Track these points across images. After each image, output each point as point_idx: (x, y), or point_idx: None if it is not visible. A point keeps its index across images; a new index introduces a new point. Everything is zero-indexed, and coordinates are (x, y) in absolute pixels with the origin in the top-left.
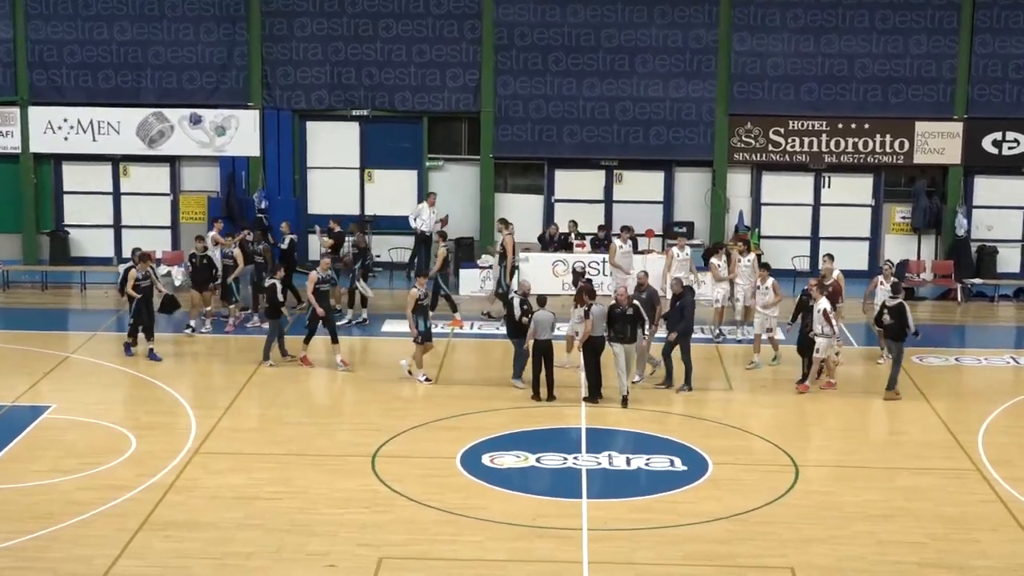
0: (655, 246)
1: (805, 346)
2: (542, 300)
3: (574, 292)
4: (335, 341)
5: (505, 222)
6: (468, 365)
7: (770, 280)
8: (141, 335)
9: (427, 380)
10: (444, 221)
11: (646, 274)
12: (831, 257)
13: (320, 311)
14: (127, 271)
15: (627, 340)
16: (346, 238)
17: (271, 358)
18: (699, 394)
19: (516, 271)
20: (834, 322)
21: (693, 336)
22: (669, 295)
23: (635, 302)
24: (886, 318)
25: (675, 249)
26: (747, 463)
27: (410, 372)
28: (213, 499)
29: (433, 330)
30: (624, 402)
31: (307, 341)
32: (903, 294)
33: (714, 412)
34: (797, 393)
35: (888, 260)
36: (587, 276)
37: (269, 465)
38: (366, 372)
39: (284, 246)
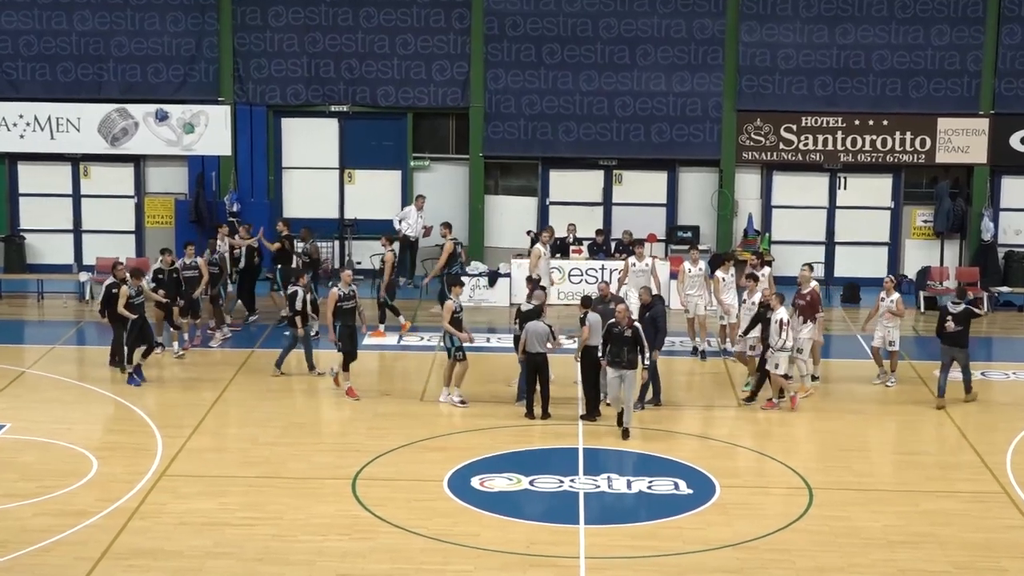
0: (658, 252)
1: (762, 361)
2: (537, 311)
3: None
4: (345, 368)
5: (389, 238)
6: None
7: (757, 295)
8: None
9: (463, 403)
10: (427, 231)
11: (647, 290)
12: (810, 267)
13: (331, 337)
14: (110, 287)
15: (623, 365)
16: (297, 244)
17: (282, 368)
18: (706, 412)
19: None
20: (789, 333)
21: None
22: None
23: (636, 324)
24: (950, 325)
25: (687, 264)
26: (757, 486)
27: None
28: (180, 526)
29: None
30: (625, 434)
31: (346, 368)
32: (970, 297)
33: (721, 431)
34: (762, 408)
35: (890, 276)
36: (541, 284)
37: (241, 489)
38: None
39: (272, 248)
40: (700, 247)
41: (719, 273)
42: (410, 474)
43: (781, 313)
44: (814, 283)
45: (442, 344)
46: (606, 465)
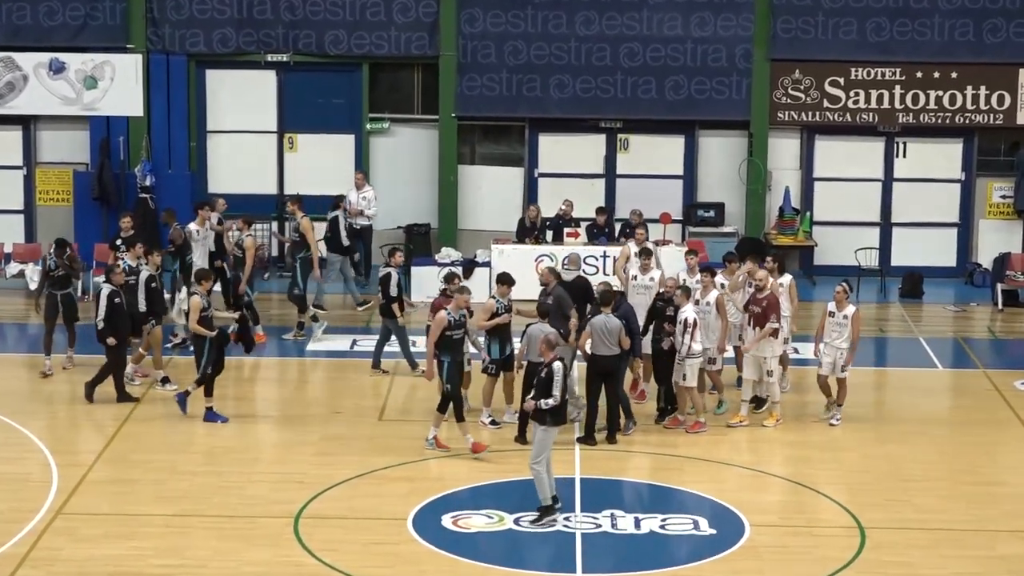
0: (672, 235)
1: (661, 368)
2: (584, 285)
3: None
4: (460, 419)
5: (299, 200)
6: (423, 395)
7: (713, 293)
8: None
9: (494, 423)
10: (352, 212)
11: (609, 286)
12: (772, 259)
13: (429, 374)
14: (112, 296)
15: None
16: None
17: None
18: (732, 432)
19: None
20: (698, 337)
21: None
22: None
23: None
24: None
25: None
26: (796, 524)
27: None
28: (81, 575)
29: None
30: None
31: (460, 417)
32: None
33: (749, 456)
34: (664, 426)
35: (844, 281)
36: (460, 284)
37: (156, 530)
38: (287, 405)
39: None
40: (725, 228)
41: (719, 279)
42: (366, 511)
43: (688, 312)
44: (788, 279)
45: (472, 353)
46: (609, 499)
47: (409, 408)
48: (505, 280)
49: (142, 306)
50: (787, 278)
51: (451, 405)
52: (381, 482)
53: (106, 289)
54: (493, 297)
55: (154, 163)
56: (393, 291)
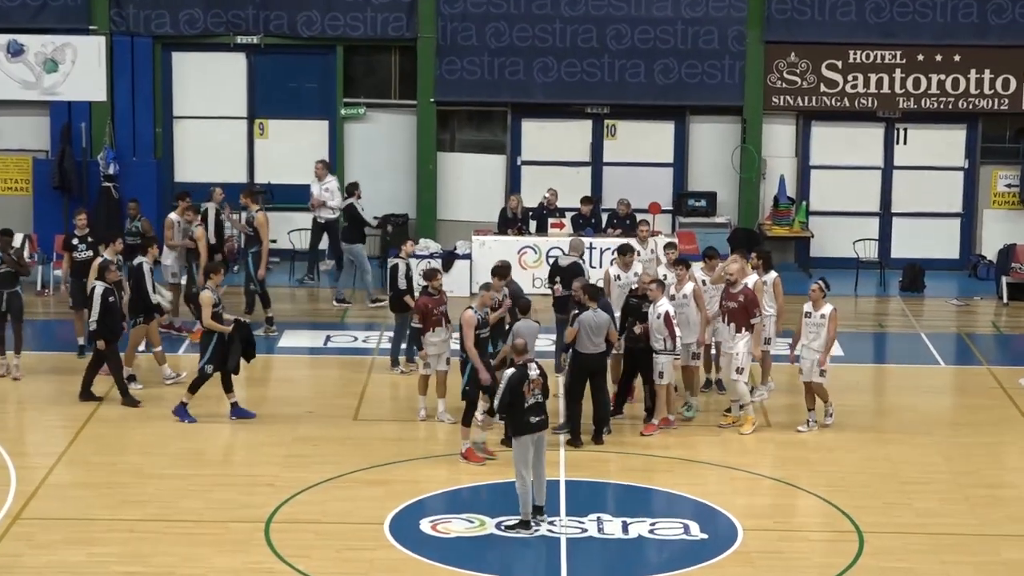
0: (662, 226)
1: (645, 367)
2: (524, 306)
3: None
4: (466, 423)
5: (252, 193)
6: (402, 393)
7: (689, 285)
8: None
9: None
10: (315, 205)
11: (584, 284)
12: (757, 256)
13: (484, 377)
14: (106, 295)
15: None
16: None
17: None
18: (723, 433)
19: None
20: (677, 332)
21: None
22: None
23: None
24: None
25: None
26: (791, 528)
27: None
28: None
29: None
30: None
31: (467, 421)
32: None
33: (743, 458)
34: (641, 435)
35: (820, 279)
36: (441, 279)
37: (119, 535)
38: (257, 404)
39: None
40: (717, 219)
41: (698, 273)
42: (341, 515)
43: (664, 306)
44: (773, 275)
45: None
46: (595, 502)
47: (385, 408)
48: (500, 272)
49: (155, 298)
50: (772, 275)
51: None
52: (356, 485)
53: (100, 287)
54: (470, 308)
55: (118, 150)
56: (402, 283)
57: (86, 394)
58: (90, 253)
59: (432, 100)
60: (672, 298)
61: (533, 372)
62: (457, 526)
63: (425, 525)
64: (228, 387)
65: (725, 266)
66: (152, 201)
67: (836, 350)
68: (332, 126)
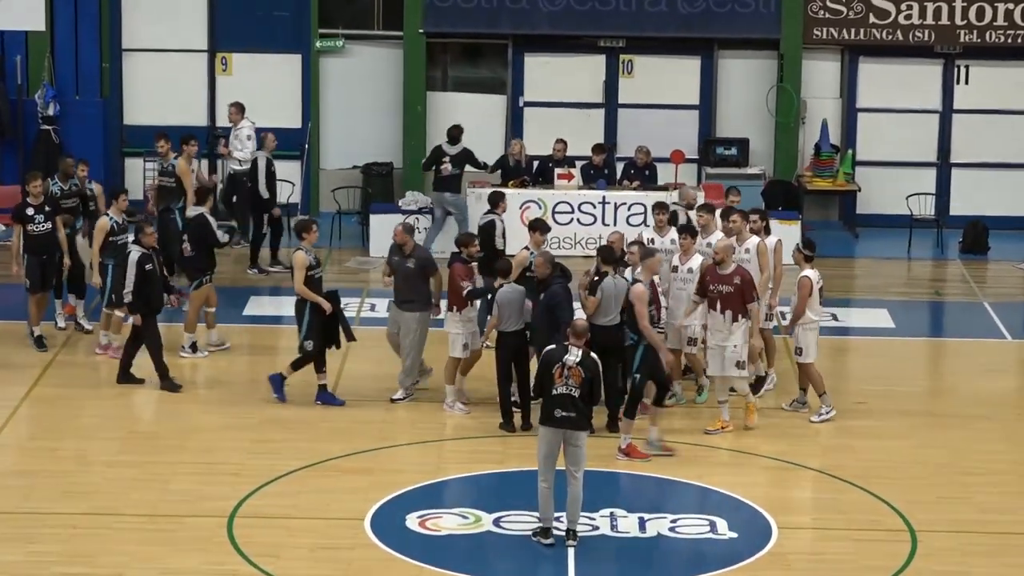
0: (686, 178)
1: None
2: (504, 268)
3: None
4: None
5: (164, 134)
6: (385, 371)
7: (697, 258)
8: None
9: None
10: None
11: (545, 258)
12: (760, 217)
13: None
14: (142, 262)
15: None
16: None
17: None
18: (757, 417)
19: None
20: (663, 303)
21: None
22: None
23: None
24: None
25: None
26: (833, 527)
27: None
28: None
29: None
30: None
31: (296, 367)
32: None
33: (778, 445)
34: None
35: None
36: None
37: (61, 531)
38: (219, 381)
39: None
40: (751, 170)
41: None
42: (315, 509)
43: (638, 290)
44: (755, 240)
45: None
46: (608, 495)
47: (367, 385)
48: (539, 226)
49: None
50: (773, 240)
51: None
52: (333, 475)
53: (135, 253)
54: (526, 248)
55: (58, 88)
56: (500, 242)
57: (125, 375)
58: (48, 225)
59: (421, 31)
60: (675, 270)
61: (572, 358)
62: (449, 522)
63: (412, 520)
64: (320, 366)
65: (719, 242)
66: (98, 147)
67: (886, 321)
68: (305, 61)
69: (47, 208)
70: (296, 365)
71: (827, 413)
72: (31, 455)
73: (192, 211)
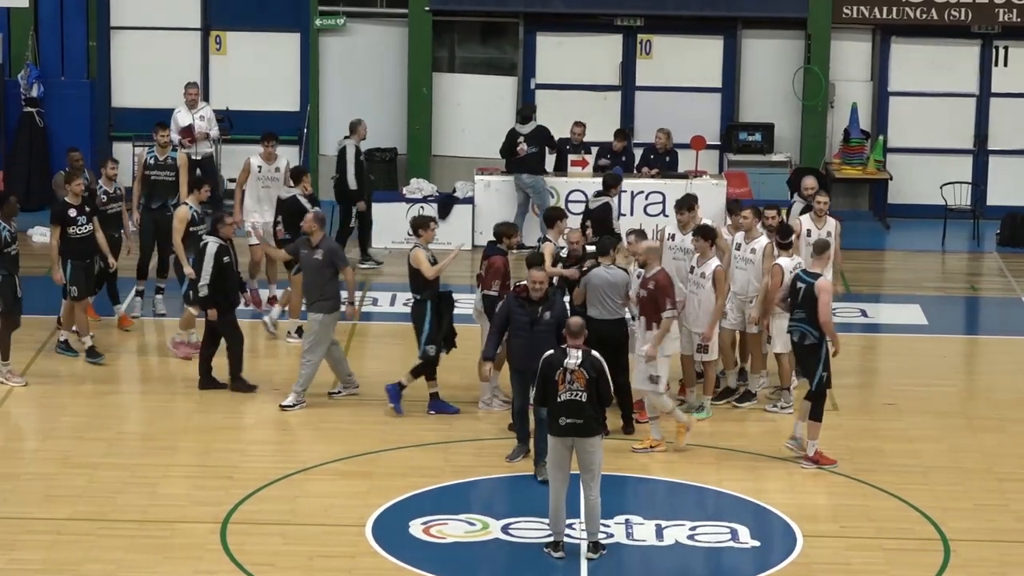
0: (708, 166)
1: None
2: (604, 247)
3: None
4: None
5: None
6: (388, 368)
7: (713, 262)
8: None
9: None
10: (198, 138)
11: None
12: (748, 209)
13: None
14: (220, 253)
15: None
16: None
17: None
18: (779, 418)
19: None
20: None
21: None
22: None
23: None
24: None
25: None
26: (862, 535)
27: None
28: None
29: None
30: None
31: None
32: None
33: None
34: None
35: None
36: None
37: (44, 538)
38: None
39: None
40: (775, 157)
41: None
42: (313, 515)
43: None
44: (764, 240)
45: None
46: (623, 501)
47: (369, 384)
48: (558, 215)
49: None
50: (761, 240)
51: None
52: (332, 478)
53: (213, 245)
54: (547, 240)
55: (43, 69)
56: (616, 226)
57: (207, 380)
58: (90, 227)
59: (427, 8)
60: (691, 271)
61: (572, 360)
62: (455, 529)
63: (416, 527)
64: (432, 373)
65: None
66: (84, 130)
67: (918, 317)
68: (304, 40)
69: (87, 208)
70: (416, 372)
71: (785, 408)
72: (11, 457)
73: (285, 192)
